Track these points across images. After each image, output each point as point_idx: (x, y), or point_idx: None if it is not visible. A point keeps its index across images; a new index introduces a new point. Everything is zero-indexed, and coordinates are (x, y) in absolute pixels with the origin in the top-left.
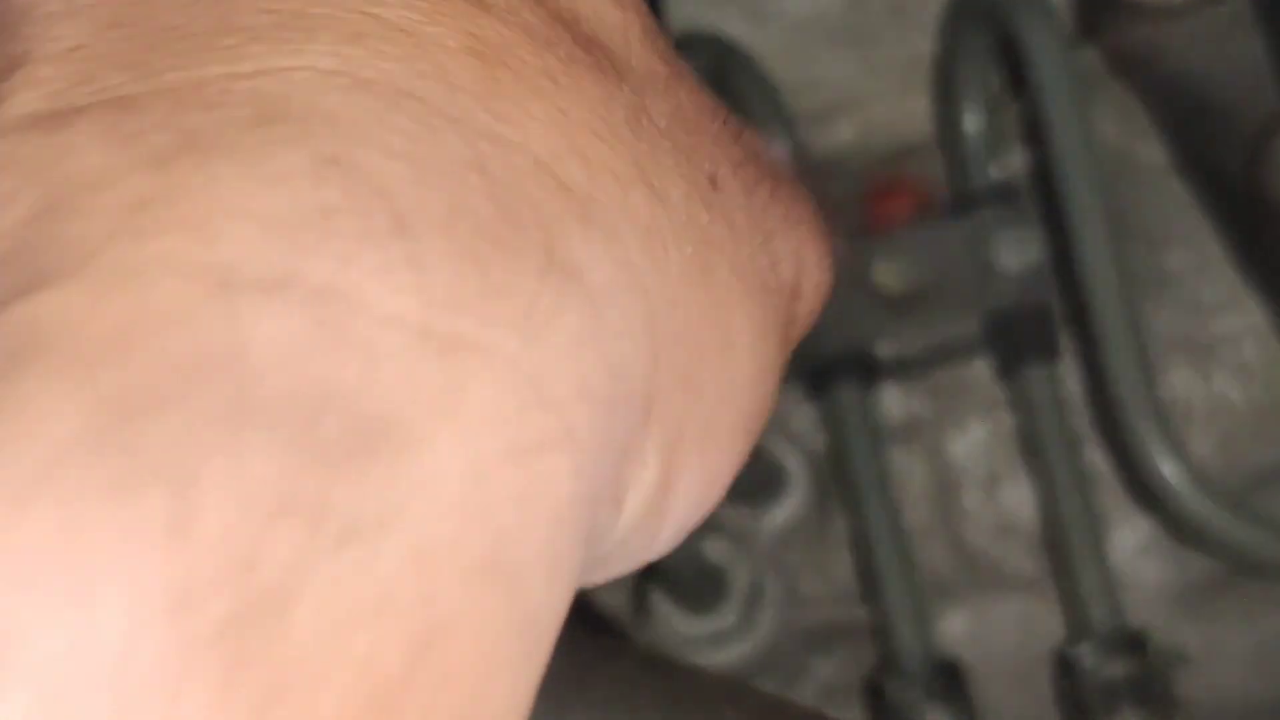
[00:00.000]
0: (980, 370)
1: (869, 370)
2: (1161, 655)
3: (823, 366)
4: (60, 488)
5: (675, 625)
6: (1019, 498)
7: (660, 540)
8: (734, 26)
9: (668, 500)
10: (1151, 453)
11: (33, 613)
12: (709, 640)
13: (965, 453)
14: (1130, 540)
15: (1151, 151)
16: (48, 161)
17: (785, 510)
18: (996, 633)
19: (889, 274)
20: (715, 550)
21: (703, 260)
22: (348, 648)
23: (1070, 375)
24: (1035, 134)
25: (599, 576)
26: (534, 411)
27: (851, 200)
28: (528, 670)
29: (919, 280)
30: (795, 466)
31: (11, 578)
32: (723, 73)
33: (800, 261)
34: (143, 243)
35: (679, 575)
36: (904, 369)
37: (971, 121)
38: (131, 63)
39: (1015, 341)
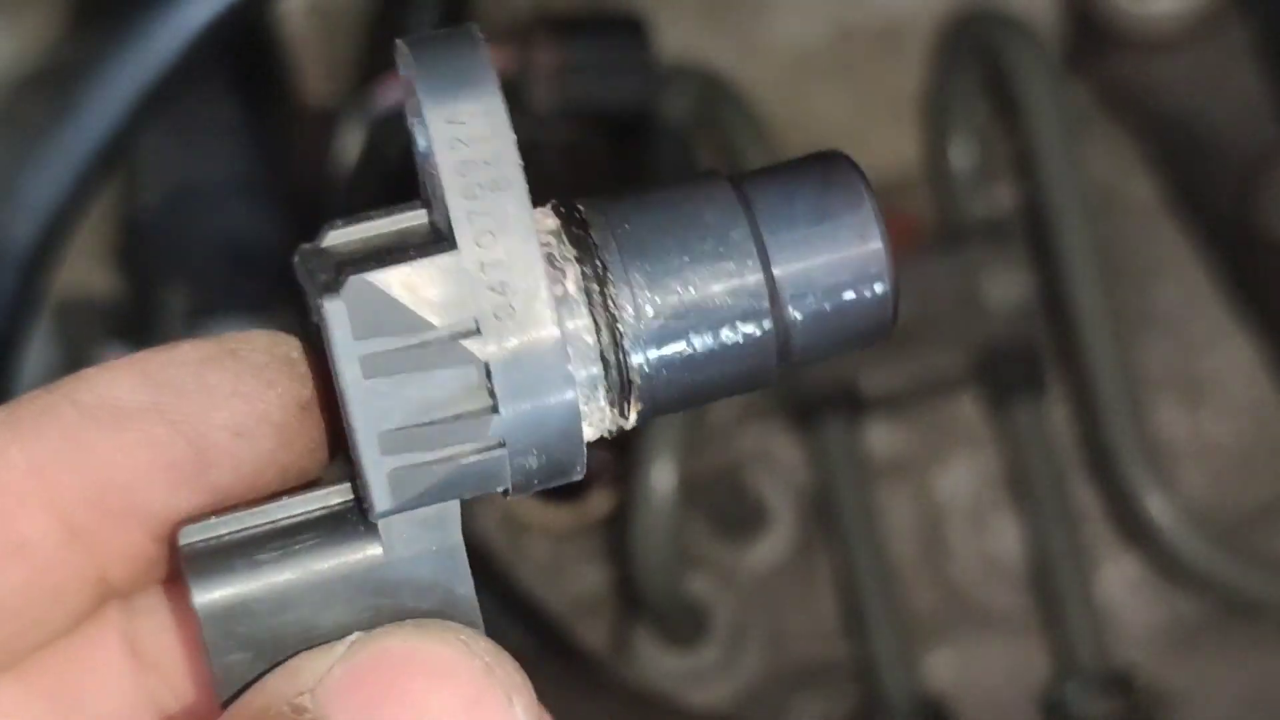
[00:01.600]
0: (967, 406)
1: (855, 405)
2: (1149, 695)
3: (809, 401)
4: None
5: (658, 663)
6: (1006, 535)
7: None
8: (724, 59)
9: None
10: (1140, 490)
11: None
12: (691, 678)
13: (952, 489)
14: (1118, 579)
15: (1141, 187)
16: None
17: (769, 547)
18: (983, 672)
19: None
20: (699, 587)
21: None
22: None
23: (1058, 412)
24: (1025, 169)
25: None
26: None
27: None
28: None
29: (906, 315)
30: (780, 502)
31: None
32: (711, 105)
33: None
34: None
35: (662, 612)
36: (891, 404)
37: (960, 156)
38: None
39: (1003, 377)
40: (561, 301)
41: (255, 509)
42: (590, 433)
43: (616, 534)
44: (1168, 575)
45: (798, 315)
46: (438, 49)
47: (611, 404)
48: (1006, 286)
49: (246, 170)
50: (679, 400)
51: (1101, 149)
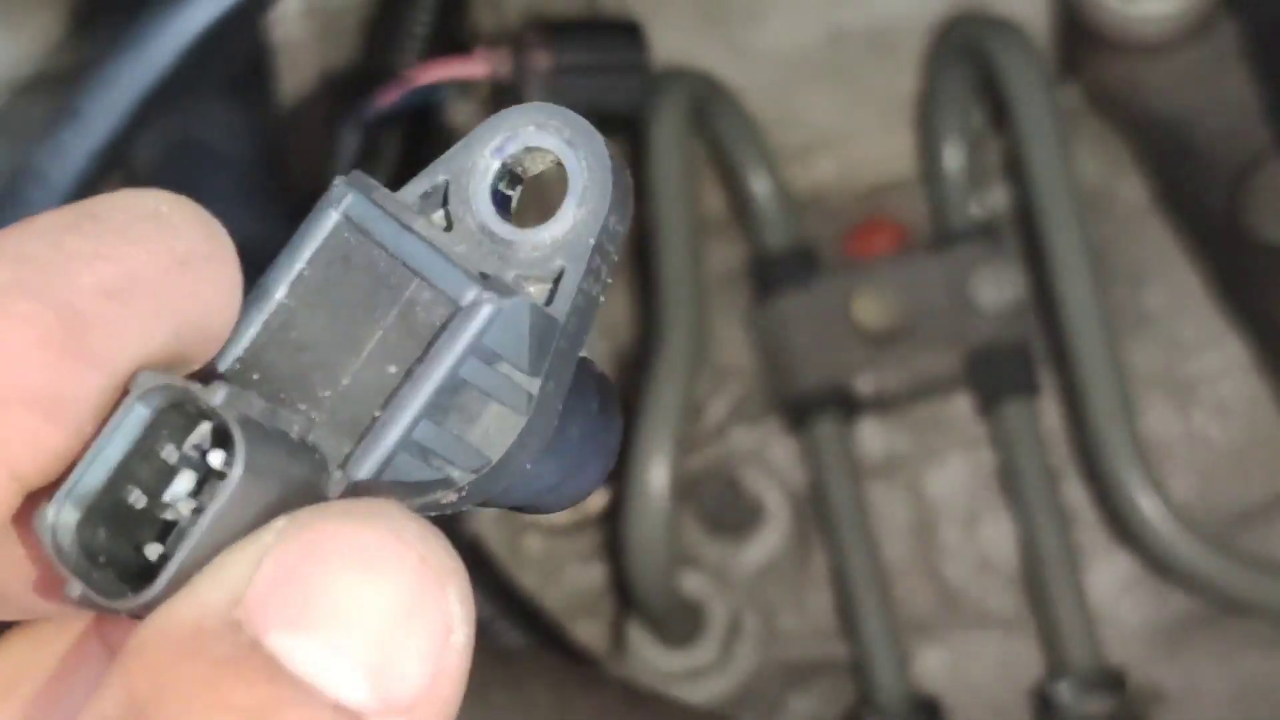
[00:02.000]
0: (960, 406)
1: (849, 405)
2: (1140, 693)
3: (802, 401)
4: None
5: (653, 660)
6: (998, 534)
7: None
8: (717, 62)
9: None
10: (1131, 490)
11: None
12: (687, 676)
13: (945, 489)
14: (1109, 577)
15: (1131, 189)
16: None
17: (764, 546)
18: (975, 670)
19: (869, 310)
20: (693, 585)
21: None
22: None
23: (1050, 412)
24: (1016, 171)
25: None
26: None
27: (832, 236)
28: None
29: (899, 316)
30: (774, 502)
31: None
32: (704, 108)
33: None
34: None
35: (657, 610)
36: (884, 404)
37: (952, 158)
38: None
39: (995, 378)
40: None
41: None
42: None
43: (612, 532)
44: (1159, 574)
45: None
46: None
47: None
48: (998, 287)
49: (243, 174)
50: None
51: (1092, 151)
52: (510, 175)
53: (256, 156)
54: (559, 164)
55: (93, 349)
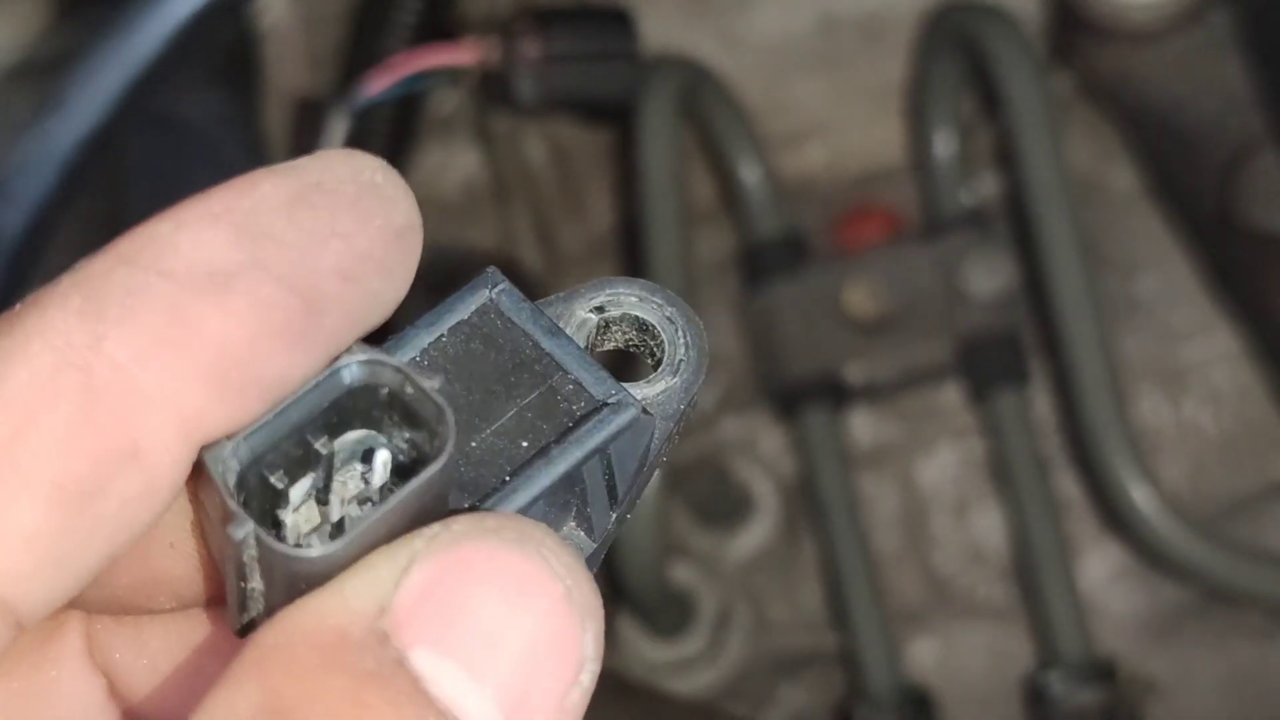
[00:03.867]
0: (950, 395)
1: (839, 394)
2: (1131, 683)
3: (792, 391)
4: None
5: (643, 651)
6: (989, 524)
7: None
8: (707, 50)
9: None
10: (1122, 479)
11: None
12: (676, 667)
13: (935, 478)
14: (1100, 567)
15: (1123, 177)
16: None
17: (754, 536)
18: (966, 660)
19: (859, 298)
20: (683, 576)
21: None
22: None
23: (1040, 401)
24: (1007, 159)
25: None
26: None
27: (822, 224)
28: None
29: (889, 305)
30: (764, 491)
31: None
32: (694, 96)
33: None
34: None
35: (646, 601)
36: (874, 394)
37: (943, 146)
38: None
39: (985, 367)
40: None
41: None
42: None
43: None
44: (1150, 564)
45: None
46: None
47: None
48: (989, 276)
49: (231, 163)
50: None
51: (1083, 139)
52: (600, 336)
53: (245, 147)
54: (645, 336)
55: (326, 335)
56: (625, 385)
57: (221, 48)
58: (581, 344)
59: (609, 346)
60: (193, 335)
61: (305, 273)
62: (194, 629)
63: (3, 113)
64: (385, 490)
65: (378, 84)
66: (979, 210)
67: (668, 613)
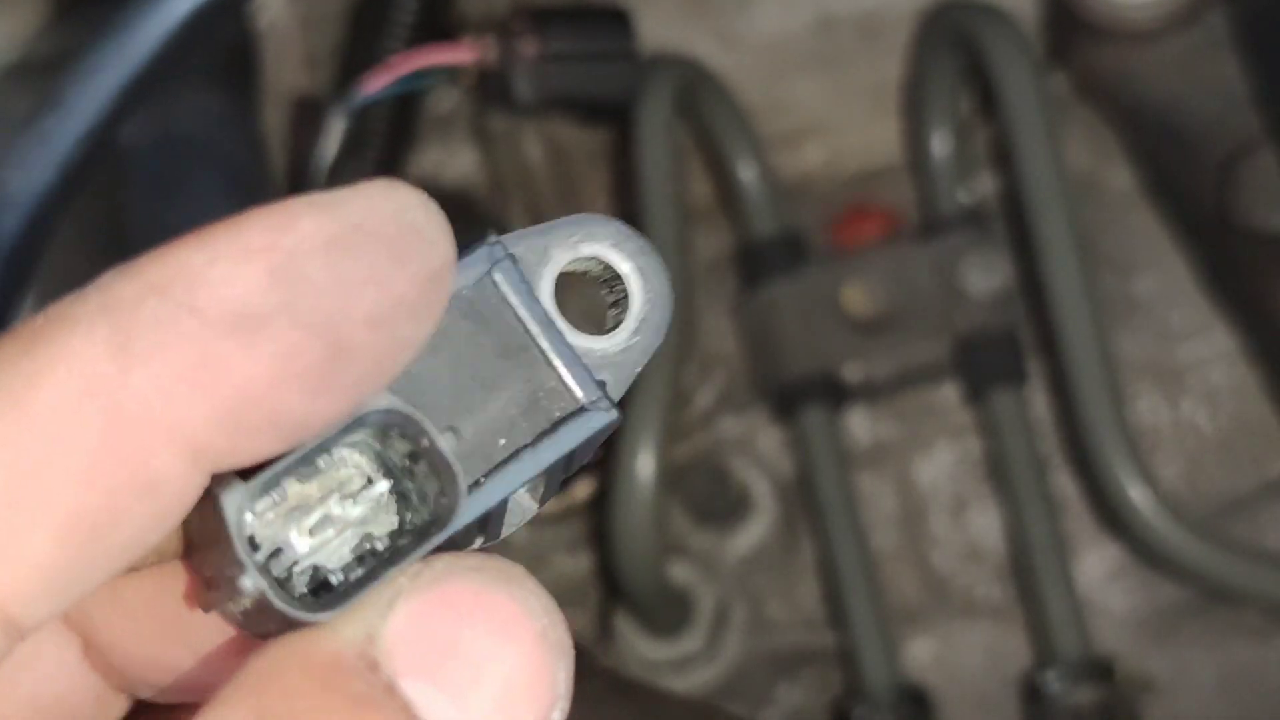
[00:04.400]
0: (948, 394)
1: (837, 394)
2: (1128, 682)
3: (790, 390)
4: None
5: (640, 649)
6: (986, 523)
7: None
8: (704, 49)
9: None
10: (1120, 478)
11: None
12: (674, 665)
13: (933, 477)
14: (1098, 566)
15: (1120, 176)
16: None
17: (752, 534)
18: (964, 659)
19: (857, 298)
20: (681, 574)
21: None
22: None
23: (1038, 400)
24: (1005, 158)
25: None
26: None
27: (820, 224)
28: None
29: (887, 304)
30: (762, 490)
31: None
32: (692, 96)
33: None
34: None
35: (644, 599)
36: (872, 393)
37: (940, 145)
38: None
39: (983, 366)
40: None
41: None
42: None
43: (598, 521)
44: (1147, 563)
45: None
46: None
47: None
48: (986, 275)
49: (230, 164)
50: None
51: (1080, 138)
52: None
53: (243, 146)
54: (614, 282)
55: (351, 382)
56: (587, 339)
57: (220, 47)
58: (552, 284)
59: (578, 270)
60: (217, 376)
61: (337, 321)
62: (172, 578)
63: (0, 112)
64: (394, 536)
65: (376, 83)
66: (977, 209)
67: (665, 611)
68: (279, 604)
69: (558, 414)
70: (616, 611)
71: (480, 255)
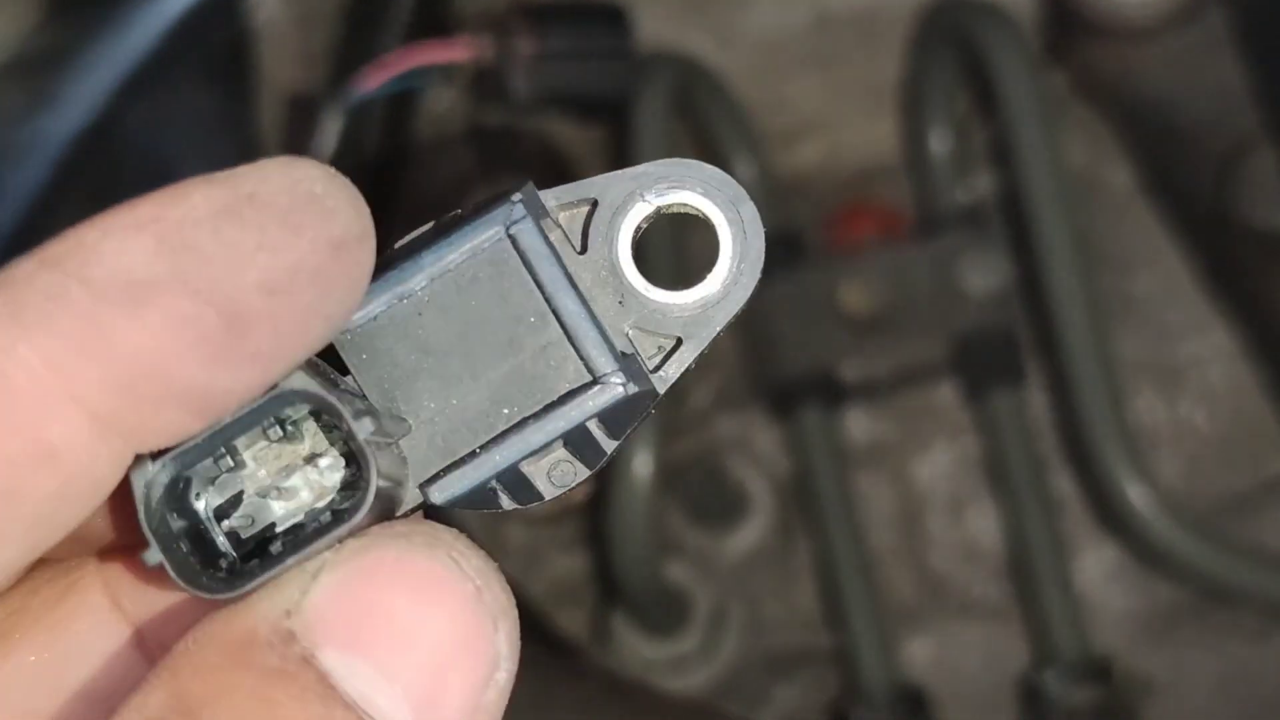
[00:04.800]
0: (946, 394)
1: (834, 393)
2: (1127, 682)
3: (787, 389)
4: None
5: (637, 649)
6: (984, 523)
7: None
8: (702, 47)
9: None
10: (1118, 478)
11: None
12: (671, 665)
13: (930, 477)
14: (1096, 566)
15: (1118, 175)
16: None
17: (749, 534)
18: (961, 659)
19: (855, 297)
20: (678, 574)
21: None
22: None
23: (1036, 399)
24: (1003, 157)
25: None
26: None
27: (817, 222)
28: None
29: (885, 303)
30: (759, 490)
31: None
32: (689, 93)
33: None
34: None
35: (641, 599)
36: (869, 392)
37: (939, 144)
38: None
39: (981, 365)
40: None
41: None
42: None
43: (595, 521)
44: (1146, 563)
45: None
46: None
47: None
48: (984, 274)
49: (223, 159)
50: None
51: (1079, 137)
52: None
53: (238, 143)
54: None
55: (252, 350)
56: (663, 294)
57: (215, 45)
58: (630, 235)
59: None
60: (104, 344)
61: (227, 288)
62: None
63: None
64: (321, 511)
65: (372, 81)
66: (975, 208)
67: (662, 611)
68: (176, 579)
69: (566, 386)
70: (613, 611)
71: (497, 215)
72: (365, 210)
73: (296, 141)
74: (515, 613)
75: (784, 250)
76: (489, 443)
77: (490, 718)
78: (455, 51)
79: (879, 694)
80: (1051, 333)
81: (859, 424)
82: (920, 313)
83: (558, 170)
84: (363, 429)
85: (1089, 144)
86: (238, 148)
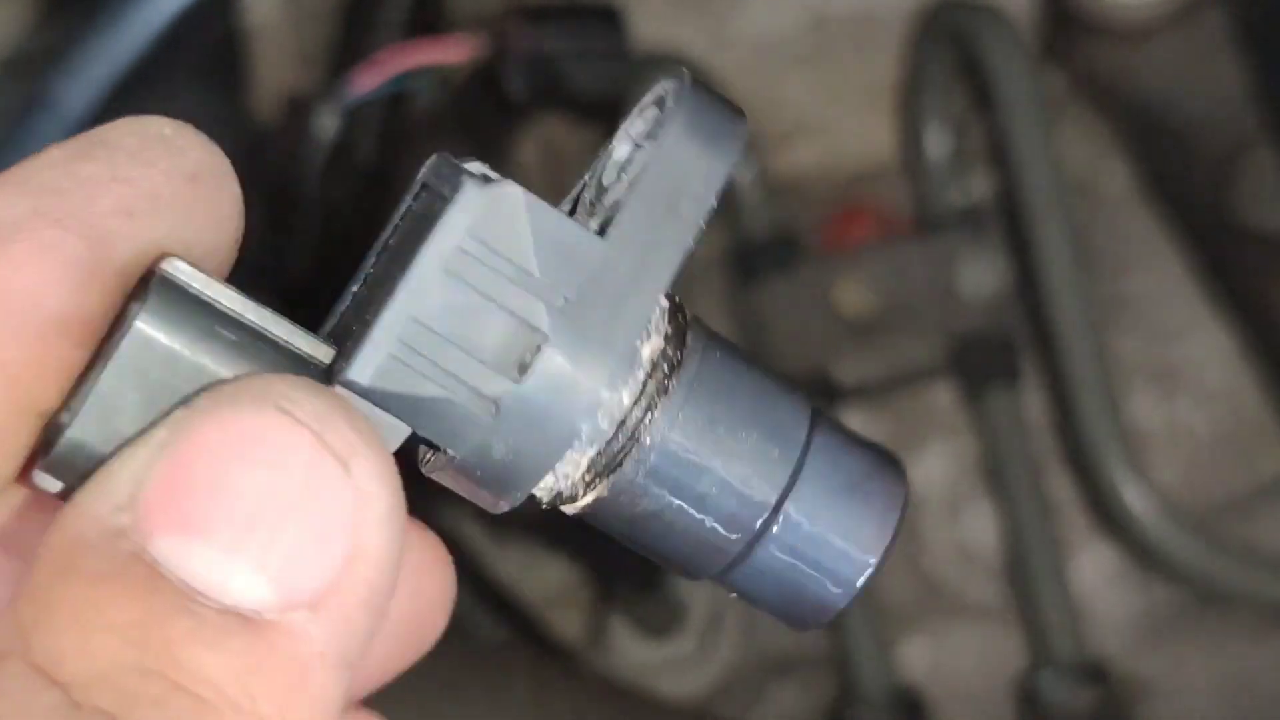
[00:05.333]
0: (942, 395)
1: (830, 393)
2: (1124, 683)
3: None
4: None
5: (633, 653)
6: (980, 524)
7: None
8: (697, 47)
9: None
10: (1115, 479)
11: None
12: (667, 668)
13: (927, 478)
14: (1093, 567)
15: (1116, 175)
16: None
17: None
18: (957, 661)
19: (851, 297)
20: (673, 578)
21: None
22: None
23: (1033, 400)
24: (999, 157)
25: None
26: None
27: (813, 223)
28: None
29: (881, 304)
30: None
31: None
32: None
33: None
34: None
35: (638, 602)
36: (865, 392)
37: (935, 145)
38: None
39: (977, 366)
40: (630, 356)
41: (246, 300)
42: (549, 481)
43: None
44: (1143, 564)
45: (766, 556)
46: (710, 103)
47: (587, 470)
48: (981, 275)
49: None
50: (622, 523)
51: (1076, 137)
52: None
53: (231, 144)
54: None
55: (118, 268)
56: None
57: (210, 44)
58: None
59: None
60: None
61: (86, 214)
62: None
63: None
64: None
65: (367, 81)
66: (971, 209)
67: (658, 614)
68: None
69: (430, 220)
70: (610, 614)
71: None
72: (218, 152)
73: (293, 141)
74: (375, 446)
75: (780, 251)
76: (384, 301)
77: (373, 560)
78: (451, 51)
79: (875, 696)
80: (1048, 333)
81: (855, 425)
82: (917, 313)
83: (553, 169)
84: (167, 264)
85: (1086, 144)
86: (232, 147)
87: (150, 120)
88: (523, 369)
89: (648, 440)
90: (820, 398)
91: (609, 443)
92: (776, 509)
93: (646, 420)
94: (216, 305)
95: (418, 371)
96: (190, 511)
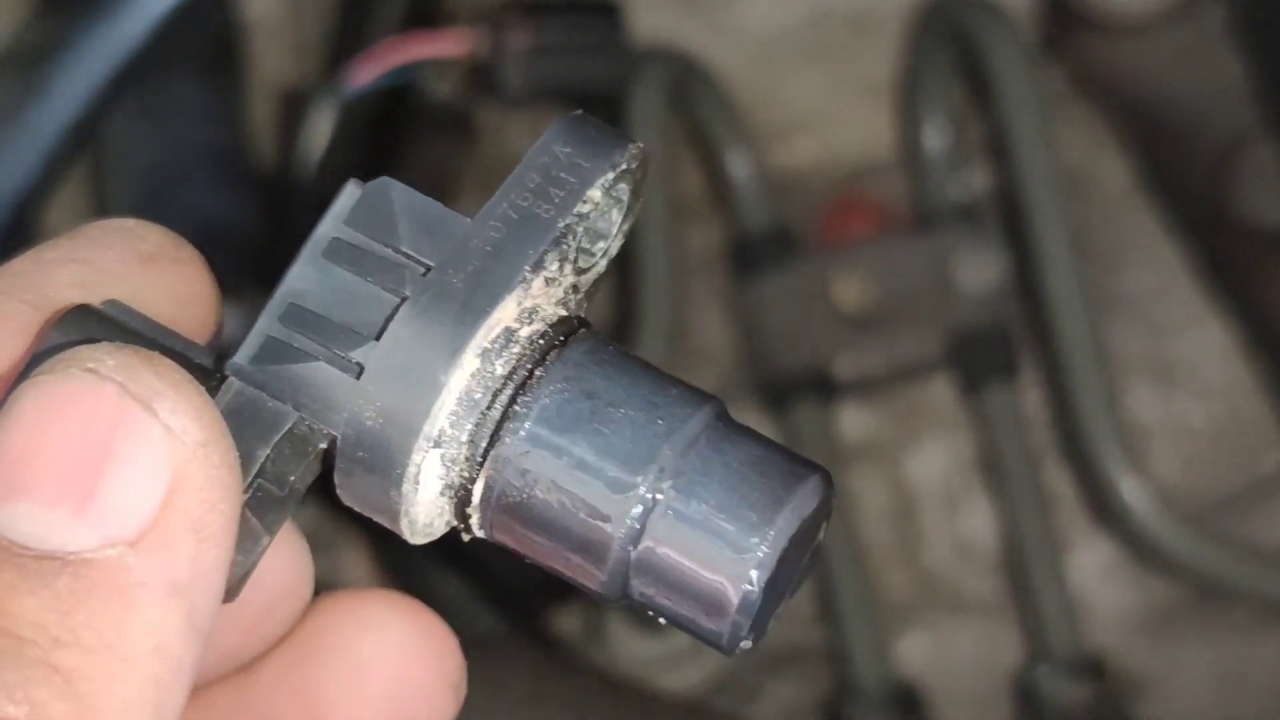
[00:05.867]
0: (940, 390)
1: (828, 388)
2: (1121, 679)
3: (781, 384)
4: None
5: (630, 646)
6: (978, 519)
7: None
8: (696, 42)
9: None
10: (1113, 474)
11: None
12: (663, 662)
13: (924, 473)
14: (1091, 563)
15: (1114, 170)
16: None
17: None
18: (955, 656)
19: (849, 292)
20: None
21: None
22: None
23: (1031, 395)
24: (998, 152)
25: None
26: None
27: (811, 218)
28: None
29: (879, 298)
30: None
31: None
32: (683, 88)
33: None
34: None
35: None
36: (863, 387)
37: (934, 139)
38: None
39: (976, 361)
40: (492, 318)
41: (170, 330)
42: (436, 469)
43: None
44: (1140, 559)
45: (638, 584)
46: (595, 123)
47: (468, 445)
48: (979, 270)
49: (215, 152)
50: (518, 523)
51: (1075, 132)
52: None
53: (227, 136)
54: None
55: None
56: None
57: (206, 37)
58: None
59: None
60: None
61: (41, 288)
62: None
63: None
64: None
65: (365, 75)
66: (970, 204)
67: None
68: None
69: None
70: (607, 609)
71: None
72: (181, 241)
73: (289, 136)
74: (183, 385)
75: (778, 245)
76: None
77: (196, 490)
78: (448, 45)
79: (872, 691)
80: (1047, 328)
81: (852, 420)
82: (915, 308)
83: None
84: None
85: (1085, 139)
86: (229, 141)
87: (117, 219)
88: (383, 331)
89: (523, 412)
90: (818, 392)
91: (484, 413)
92: (640, 527)
93: (521, 394)
94: (126, 324)
95: (295, 348)
96: (10, 478)
